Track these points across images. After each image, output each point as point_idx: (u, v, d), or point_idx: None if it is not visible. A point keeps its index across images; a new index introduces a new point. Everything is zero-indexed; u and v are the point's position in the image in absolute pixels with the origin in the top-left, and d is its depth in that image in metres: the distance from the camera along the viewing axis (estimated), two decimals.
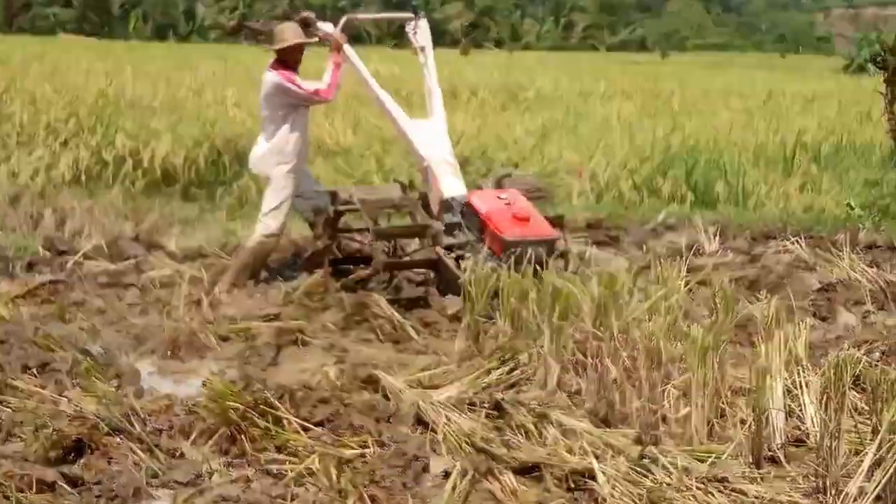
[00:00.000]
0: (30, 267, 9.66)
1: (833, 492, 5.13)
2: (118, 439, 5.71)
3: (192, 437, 5.89)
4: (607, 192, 15.28)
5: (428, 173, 9.07)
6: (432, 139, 9.11)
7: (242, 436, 5.75)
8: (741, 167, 16.15)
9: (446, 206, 8.78)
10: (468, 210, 8.65)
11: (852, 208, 14.02)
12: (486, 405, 6.19)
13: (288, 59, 9.24)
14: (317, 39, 9.35)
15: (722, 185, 15.39)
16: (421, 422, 6.08)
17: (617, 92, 28.13)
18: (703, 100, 26.73)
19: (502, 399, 6.17)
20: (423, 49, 9.53)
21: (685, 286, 7.07)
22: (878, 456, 5.04)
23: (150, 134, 15.72)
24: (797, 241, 11.10)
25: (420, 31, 9.59)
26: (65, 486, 5.17)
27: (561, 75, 33.21)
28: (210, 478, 5.47)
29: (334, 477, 5.33)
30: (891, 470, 4.99)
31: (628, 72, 39.79)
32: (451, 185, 8.91)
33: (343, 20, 9.65)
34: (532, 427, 5.87)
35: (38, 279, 9.08)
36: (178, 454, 5.71)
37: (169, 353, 7.53)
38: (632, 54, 70.78)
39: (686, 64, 57.01)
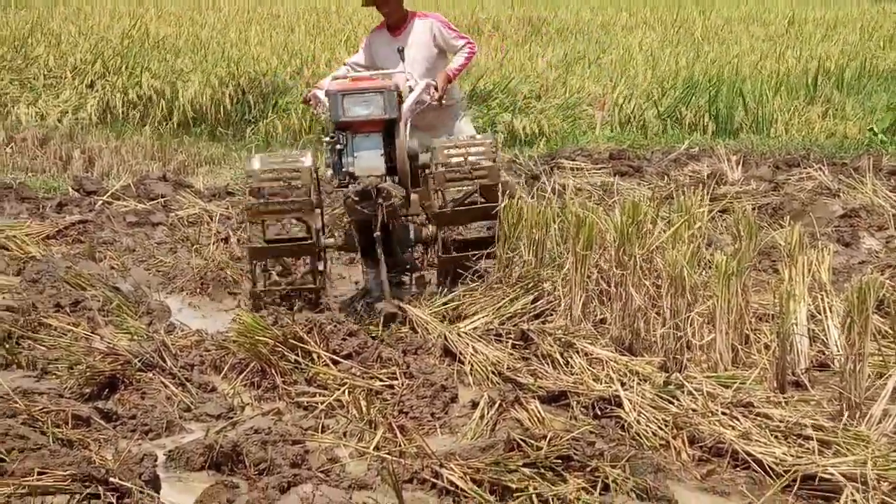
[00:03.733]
0: (59, 207, 9.75)
1: (857, 414, 5.17)
2: (150, 375, 5.80)
3: (224, 371, 5.99)
4: (630, 122, 15.25)
5: None
6: None
7: (273, 369, 5.83)
8: (763, 95, 16.07)
9: None
10: None
11: (875, 133, 13.97)
12: (512, 336, 6.24)
13: None
14: None
15: (744, 114, 15.33)
16: (448, 353, 6.14)
17: (639, 22, 27.87)
18: (724, 28, 26.48)
19: (528, 329, 6.22)
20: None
21: (708, 214, 7.07)
22: None
23: (176, 74, 15.74)
24: (820, 168, 11.09)
25: None
26: (99, 420, 5.28)
27: (583, 6, 32.88)
28: (242, 411, 5.57)
29: (364, 408, 5.42)
30: None
31: (650, 2, 39.37)
32: None
33: None
34: (558, 356, 5.94)
35: (69, 219, 9.15)
36: (209, 388, 5.81)
37: (198, 289, 7.59)
38: None
39: None
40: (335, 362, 5.93)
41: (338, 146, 6.82)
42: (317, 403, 5.56)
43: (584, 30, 25.44)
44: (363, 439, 5.15)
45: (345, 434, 5.24)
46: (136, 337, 6.33)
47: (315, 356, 5.95)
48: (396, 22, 7.94)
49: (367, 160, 6.77)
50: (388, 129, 6.85)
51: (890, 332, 5.58)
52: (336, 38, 21.06)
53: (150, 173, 11.25)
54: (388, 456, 4.88)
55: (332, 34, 21.99)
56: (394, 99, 6.77)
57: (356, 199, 6.62)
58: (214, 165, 12.58)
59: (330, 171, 6.93)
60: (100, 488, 4.43)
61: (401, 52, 7.61)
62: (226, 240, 8.57)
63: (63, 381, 5.74)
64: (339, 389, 5.63)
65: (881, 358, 5.64)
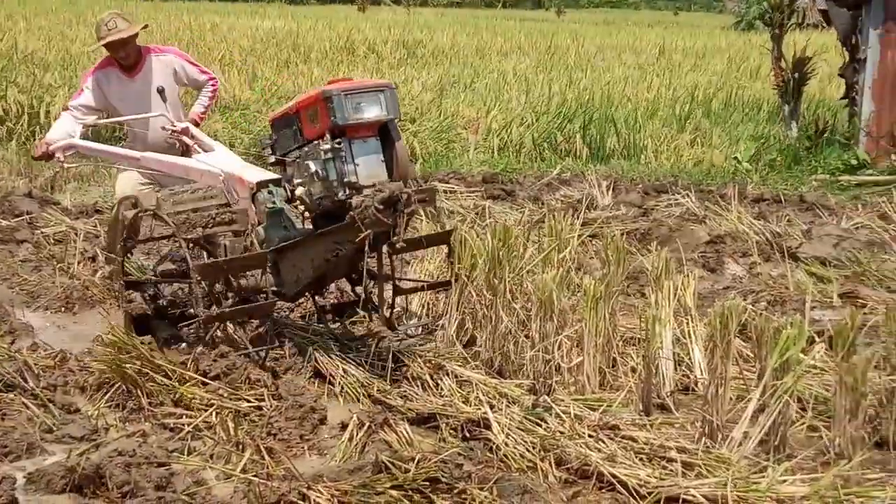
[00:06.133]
0: None
1: (719, 437, 5.27)
2: (11, 395, 5.64)
3: (88, 392, 5.86)
4: (504, 146, 15.39)
5: (228, 184, 6.52)
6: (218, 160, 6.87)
7: (139, 390, 5.73)
8: (635, 122, 16.38)
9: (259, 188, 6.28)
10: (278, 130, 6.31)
11: (739, 162, 14.34)
12: (383, 357, 6.23)
13: None
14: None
15: (616, 140, 15.59)
16: (318, 374, 6.11)
17: (514, 48, 28.23)
18: (597, 55, 26.92)
19: (399, 350, 6.22)
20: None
21: (578, 239, 7.16)
22: (761, 401, 5.20)
23: (44, 89, 15.45)
24: (687, 195, 11.32)
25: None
26: None
27: (458, 31, 33.19)
28: (106, 432, 5.45)
29: (231, 430, 5.35)
30: (774, 415, 5.16)
31: (524, 28, 39.85)
32: (255, 174, 6.44)
33: None
34: (428, 378, 5.94)
35: None
36: (72, 409, 5.67)
37: (63, 308, 7.44)
38: (528, 11, 70.97)
39: (581, 21, 57.27)
40: (203, 383, 5.85)
41: (341, 153, 5.85)
42: (183, 425, 5.47)
43: (459, 54, 25.63)
44: (230, 461, 5.08)
45: (211, 456, 5.16)
46: None
47: (182, 377, 5.86)
48: (132, 63, 7.55)
49: (370, 167, 5.91)
50: (382, 133, 6.03)
51: (751, 355, 5.70)
52: (211, 56, 20.91)
53: (15, 189, 11.02)
54: (255, 478, 4.82)
55: (207, 51, 21.84)
56: (395, 98, 6.00)
57: (380, 206, 5.68)
58: (83, 182, 12.35)
59: (308, 188, 5.97)
60: None
61: (161, 92, 7.36)
62: (93, 258, 8.41)
63: None
64: (206, 411, 5.56)
65: (742, 381, 5.77)
